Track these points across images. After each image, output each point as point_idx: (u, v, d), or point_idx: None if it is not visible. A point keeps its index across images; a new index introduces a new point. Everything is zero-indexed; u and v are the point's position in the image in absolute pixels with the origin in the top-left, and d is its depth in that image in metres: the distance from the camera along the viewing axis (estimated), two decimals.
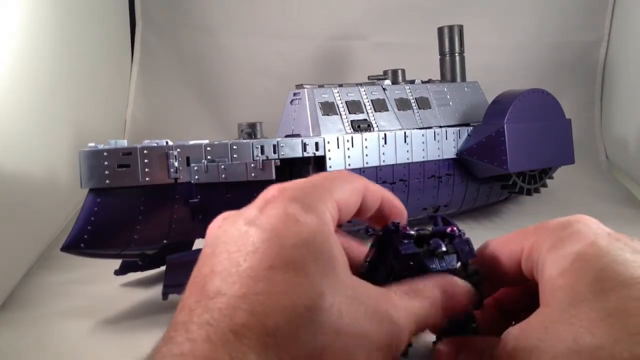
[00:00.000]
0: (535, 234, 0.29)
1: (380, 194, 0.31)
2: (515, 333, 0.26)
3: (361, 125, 0.71)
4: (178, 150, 0.56)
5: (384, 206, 0.32)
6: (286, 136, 0.69)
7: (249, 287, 0.23)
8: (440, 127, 0.78)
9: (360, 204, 0.30)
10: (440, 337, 0.32)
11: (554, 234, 0.27)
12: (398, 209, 0.33)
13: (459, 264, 0.31)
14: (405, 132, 0.73)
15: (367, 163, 0.69)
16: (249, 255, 0.24)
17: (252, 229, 0.25)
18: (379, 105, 0.74)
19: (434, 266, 0.29)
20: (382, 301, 0.26)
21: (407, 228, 0.31)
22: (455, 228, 0.31)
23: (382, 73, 0.80)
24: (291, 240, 0.24)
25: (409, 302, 0.27)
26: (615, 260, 0.25)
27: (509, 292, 0.33)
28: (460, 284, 0.29)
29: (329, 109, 0.70)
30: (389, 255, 0.30)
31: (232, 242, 0.25)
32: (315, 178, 0.29)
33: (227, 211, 0.27)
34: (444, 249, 0.30)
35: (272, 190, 0.27)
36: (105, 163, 0.53)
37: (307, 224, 0.25)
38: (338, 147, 0.67)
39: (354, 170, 0.68)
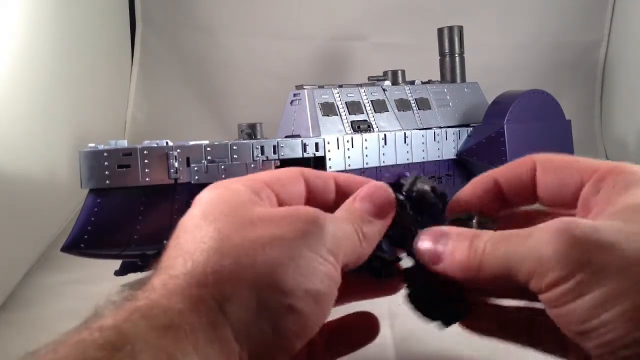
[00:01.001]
0: (606, 168, 0.28)
1: (330, 175, 0.33)
2: (583, 223, 0.25)
3: (361, 126, 0.71)
4: (178, 150, 0.56)
5: (342, 187, 0.33)
6: (286, 137, 0.69)
7: (160, 261, 0.26)
8: (440, 127, 0.78)
9: (305, 188, 0.31)
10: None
11: (636, 175, 0.28)
12: (360, 184, 0.33)
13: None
14: (405, 133, 0.73)
15: (367, 164, 0.69)
16: (186, 232, 0.27)
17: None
18: (379, 106, 0.74)
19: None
20: (297, 210, 0.28)
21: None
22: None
23: (382, 74, 0.80)
24: (193, 210, 0.28)
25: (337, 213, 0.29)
26: None
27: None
28: (371, 184, 0.31)
29: (329, 109, 0.70)
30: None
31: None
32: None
33: None
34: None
35: None
36: (106, 163, 0.53)
37: (207, 195, 0.29)
38: (338, 148, 0.67)
39: (354, 170, 0.68)
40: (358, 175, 0.34)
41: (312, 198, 0.31)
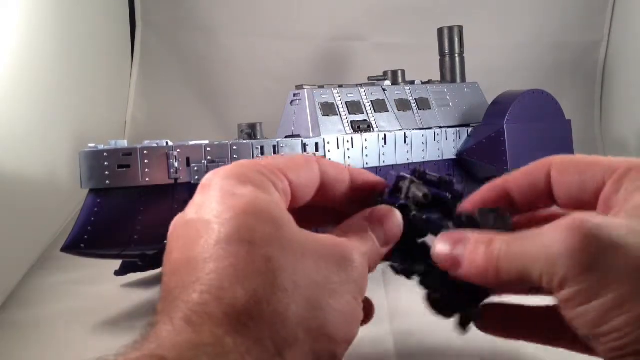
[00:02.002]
0: (629, 164, 0.28)
1: (346, 168, 0.32)
2: (596, 220, 0.25)
3: (361, 126, 0.71)
4: (178, 150, 0.56)
5: (356, 181, 0.32)
6: (286, 137, 0.69)
7: (201, 270, 0.23)
8: (440, 127, 0.78)
9: (319, 178, 0.30)
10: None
11: None
12: (374, 182, 0.33)
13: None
14: (405, 133, 0.73)
15: (367, 164, 0.69)
16: (194, 243, 0.25)
17: (194, 218, 0.26)
18: (379, 106, 0.74)
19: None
20: (338, 246, 0.26)
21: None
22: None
23: (382, 74, 0.80)
24: (229, 214, 0.25)
25: (357, 243, 0.28)
26: None
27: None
28: (387, 210, 0.30)
29: (329, 109, 0.70)
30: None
31: (181, 236, 0.26)
32: (263, 158, 0.30)
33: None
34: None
35: (208, 175, 0.28)
36: (106, 163, 0.53)
37: (243, 195, 0.25)
38: (338, 148, 0.67)
39: None
40: (370, 172, 0.33)
41: (325, 187, 0.31)
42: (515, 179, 0.32)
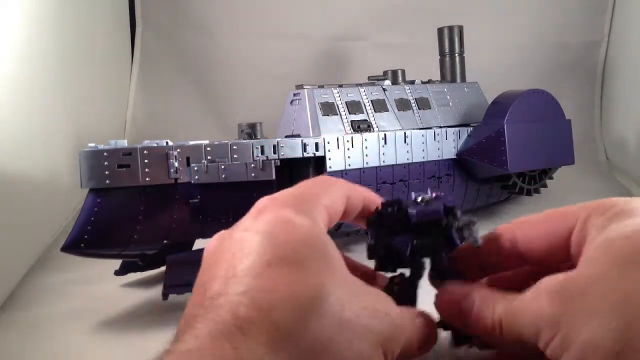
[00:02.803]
0: (589, 209, 0.29)
1: (363, 194, 0.33)
2: (560, 278, 0.27)
3: (361, 126, 0.71)
4: (178, 150, 0.56)
5: (365, 205, 0.33)
6: (286, 136, 0.69)
7: (249, 285, 0.24)
8: (440, 127, 0.78)
9: (345, 206, 0.31)
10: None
11: (616, 207, 0.28)
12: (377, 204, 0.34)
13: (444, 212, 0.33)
14: (405, 133, 0.73)
15: (367, 163, 0.69)
16: (245, 257, 0.25)
17: (247, 234, 0.26)
18: (379, 106, 0.74)
19: (416, 211, 0.31)
20: (382, 301, 0.27)
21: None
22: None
23: (382, 73, 0.80)
24: (285, 238, 0.25)
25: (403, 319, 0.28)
26: None
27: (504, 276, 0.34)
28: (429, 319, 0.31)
29: (329, 109, 0.70)
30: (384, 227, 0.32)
31: (229, 249, 0.26)
32: (303, 186, 0.30)
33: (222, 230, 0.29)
34: (427, 197, 0.32)
35: (264, 201, 0.28)
36: (106, 163, 0.53)
37: (300, 225, 0.26)
38: (338, 148, 0.67)
39: (354, 170, 0.68)
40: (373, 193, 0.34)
41: (345, 211, 0.31)
42: (485, 247, 0.33)
